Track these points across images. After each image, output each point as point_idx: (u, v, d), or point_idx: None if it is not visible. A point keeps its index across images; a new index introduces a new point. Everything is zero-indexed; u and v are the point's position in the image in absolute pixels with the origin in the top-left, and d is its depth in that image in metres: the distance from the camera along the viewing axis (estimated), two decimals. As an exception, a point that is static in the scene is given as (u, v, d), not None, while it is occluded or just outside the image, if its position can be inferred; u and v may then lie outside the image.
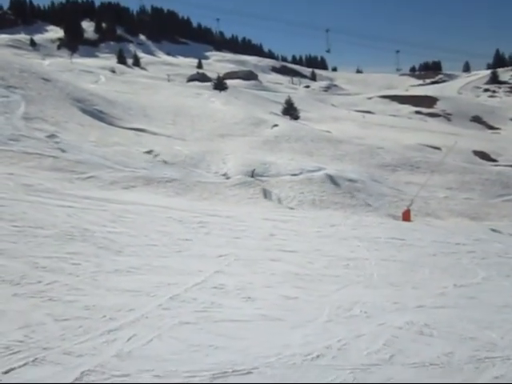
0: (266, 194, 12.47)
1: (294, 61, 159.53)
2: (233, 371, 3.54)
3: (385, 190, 14.91)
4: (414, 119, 58.40)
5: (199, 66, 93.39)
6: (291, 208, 11.96)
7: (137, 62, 78.42)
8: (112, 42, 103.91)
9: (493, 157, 34.34)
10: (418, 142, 36.18)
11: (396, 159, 19.82)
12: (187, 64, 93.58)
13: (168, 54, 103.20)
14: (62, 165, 11.77)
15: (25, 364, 3.31)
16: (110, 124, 18.22)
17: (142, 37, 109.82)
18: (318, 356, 3.96)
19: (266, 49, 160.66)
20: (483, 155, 34.40)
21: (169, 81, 64.86)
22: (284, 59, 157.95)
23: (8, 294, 4.57)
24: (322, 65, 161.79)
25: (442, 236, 10.61)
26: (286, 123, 24.56)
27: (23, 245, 6.17)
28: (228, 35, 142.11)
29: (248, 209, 11.73)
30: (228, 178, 13.45)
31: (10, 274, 5.06)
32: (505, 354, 4.43)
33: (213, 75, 76.28)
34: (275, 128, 22.64)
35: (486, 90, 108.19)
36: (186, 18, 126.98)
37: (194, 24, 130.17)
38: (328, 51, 76.07)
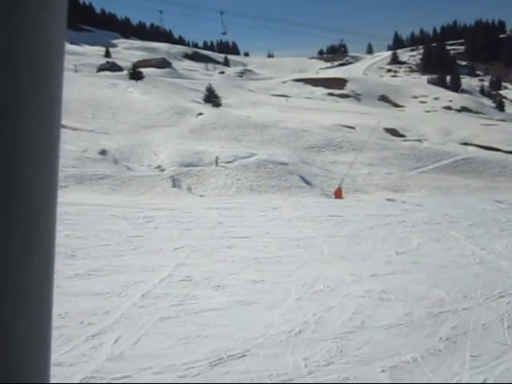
0: (175, 183, 12.38)
1: (206, 47, 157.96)
2: (228, 356, 3.67)
3: (315, 170, 15.63)
4: (327, 101, 61.10)
5: (107, 54, 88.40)
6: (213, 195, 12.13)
7: (37, 51, 71.70)
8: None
9: (401, 133, 37.24)
10: (334, 123, 38.03)
11: (320, 140, 20.77)
12: (94, 53, 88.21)
13: (71, 42, 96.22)
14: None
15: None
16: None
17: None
18: (300, 331, 4.23)
19: (176, 35, 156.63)
20: (393, 132, 37.18)
21: (76, 71, 60.73)
22: (195, 45, 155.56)
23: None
24: (234, 50, 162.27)
25: (373, 209, 11.47)
26: (210, 111, 24.43)
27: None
28: (135, 22, 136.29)
29: (187, 200, 11.68)
30: (163, 171, 13.18)
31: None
32: (453, 308, 5.07)
33: (124, 64, 73.02)
34: (200, 116, 22.44)
35: (389, 71, 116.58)
36: (87, 3, 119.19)
37: (97, 10, 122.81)
38: (224, 33, 76.87)
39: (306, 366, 3.59)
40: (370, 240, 8.32)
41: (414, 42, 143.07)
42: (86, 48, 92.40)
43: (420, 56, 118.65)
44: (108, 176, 12.03)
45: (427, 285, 5.82)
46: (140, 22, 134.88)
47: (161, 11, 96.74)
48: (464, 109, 54.48)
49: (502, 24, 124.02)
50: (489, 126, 39.44)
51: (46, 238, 0.37)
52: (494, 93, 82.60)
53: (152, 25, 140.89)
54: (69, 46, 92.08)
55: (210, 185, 12.49)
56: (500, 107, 57.38)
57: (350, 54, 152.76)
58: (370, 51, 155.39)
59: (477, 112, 53.42)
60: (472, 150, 28.68)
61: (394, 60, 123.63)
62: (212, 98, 29.69)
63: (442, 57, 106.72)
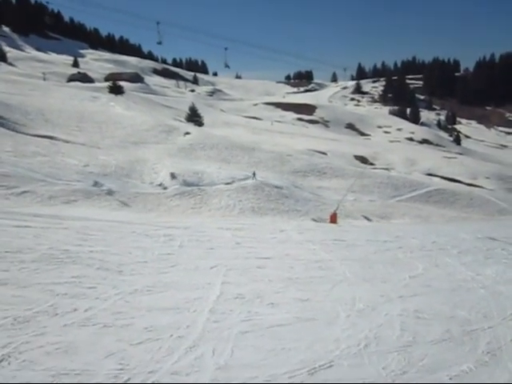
0: (180, 203, 12.75)
1: (175, 63, 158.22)
2: (319, 366, 4.14)
3: (306, 195, 16.36)
4: (297, 125, 62.97)
5: (75, 64, 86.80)
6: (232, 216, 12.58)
7: (3, 57, 69.65)
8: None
9: (371, 161, 39.06)
10: (306, 148, 39.33)
11: (305, 166, 21.65)
12: (61, 62, 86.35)
13: (38, 49, 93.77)
14: (-15, 179, 10.61)
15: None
16: (14, 130, 16.50)
17: (6, 28, 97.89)
18: (365, 345, 4.76)
19: (145, 50, 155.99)
20: (363, 159, 38.94)
21: (44, 79, 59.42)
22: (164, 61, 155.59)
23: (59, 324, 4.43)
24: (203, 69, 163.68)
25: (369, 235, 12.27)
26: (197, 131, 24.83)
27: (18, 272, 5.76)
28: (104, 33, 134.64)
29: (196, 219, 12.00)
30: (165, 189, 13.43)
31: (38, 305, 4.82)
32: (480, 326, 5.78)
33: (94, 75, 72.03)
34: (188, 136, 22.80)
35: (352, 99, 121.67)
36: (56, 11, 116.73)
37: (66, 18, 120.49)
38: (159, 43, 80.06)
39: (386, 375, 4.12)
40: (380, 264, 9.01)
41: (375, 73, 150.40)
42: (53, 56, 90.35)
43: (381, 87, 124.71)
44: (114, 192, 12.18)
45: (449, 306, 6.52)
46: (109, 34, 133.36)
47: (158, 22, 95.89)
48: (425, 141, 57.87)
49: (456, 63, 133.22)
50: (450, 159, 42.09)
51: None
52: (450, 127, 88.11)
53: (121, 37, 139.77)
54: (35, 53, 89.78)
55: (213, 205, 12.87)
56: (457, 141, 61.38)
57: (316, 80, 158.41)
58: (334, 79, 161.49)
59: (437, 144, 56.86)
60: (437, 181, 30.60)
61: (358, 89, 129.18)
62: (194, 118, 30.10)
63: (402, 89, 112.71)
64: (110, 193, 11.93)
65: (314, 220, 14.22)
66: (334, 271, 7.98)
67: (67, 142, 17.21)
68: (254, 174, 16.15)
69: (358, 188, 19.97)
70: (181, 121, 30.82)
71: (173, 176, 14.05)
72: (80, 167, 13.28)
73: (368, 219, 15.00)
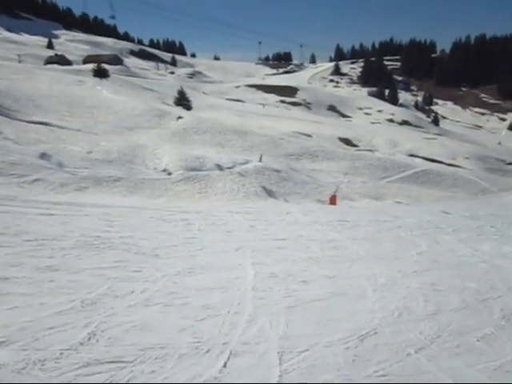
0: (184, 187, 13.06)
1: (152, 44, 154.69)
2: (366, 333, 4.66)
3: (304, 177, 16.85)
4: (280, 108, 63.14)
5: (50, 45, 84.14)
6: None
7: (-28, 37, 66.86)
8: None
9: (354, 142, 39.78)
10: (292, 130, 39.65)
11: (297, 149, 22.08)
12: (35, 43, 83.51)
13: (9, 30, 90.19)
14: (-3, 168, 10.67)
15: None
16: (9, 117, 16.30)
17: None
18: (399, 315, 5.32)
19: (121, 30, 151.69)
20: (347, 141, 39.61)
21: (20, 62, 57.56)
22: (140, 42, 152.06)
23: (123, 305, 4.79)
24: (181, 50, 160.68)
25: (369, 215, 12.89)
26: (189, 115, 24.86)
27: (63, 258, 6.05)
28: (77, 13, 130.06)
29: (204, 203, 12.32)
30: (170, 174, 13.66)
31: (96, 289, 5.15)
32: (490, 296, 6.43)
33: (71, 57, 70.04)
34: (181, 120, 22.84)
35: (331, 81, 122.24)
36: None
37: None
38: (112, 17, 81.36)
39: (424, 338, 4.68)
40: (387, 242, 9.63)
41: (354, 55, 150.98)
42: (26, 37, 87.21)
43: (360, 69, 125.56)
44: (121, 178, 12.36)
45: (459, 279, 7.17)
46: (83, 14, 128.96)
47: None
48: (405, 122, 59.05)
49: (433, 44, 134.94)
50: (430, 140, 43.24)
51: None
52: (427, 108, 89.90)
53: (96, 17, 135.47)
54: (7, 34, 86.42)
55: (218, 189, 13.21)
56: (435, 122, 62.89)
57: (295, 62, 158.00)
58: (313, 61, 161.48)
59: (416, 126, 58.14)
60: (420, 162, 31.55)
61: (337, 71, 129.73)
62: (183, 101, 30.00)
63: (380, 71, 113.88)
64: (117, 179, 12.12)
65: (319, 201, 14.71)
66: (347, 250, 8.52)
67: (62, 128, 17.11)
68: (261, 158, 16.61)
69: (350, 170, 20.59)
70: (169, 104, 30.67)
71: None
72: (84, 154, 13.35)
73: (374, 199, 15.69)
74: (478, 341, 4.78)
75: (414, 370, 3.99)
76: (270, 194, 13.85)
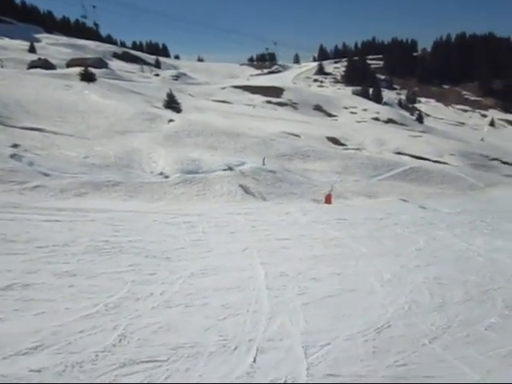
0: (183, 190, 13.20)
1: (135, 47, 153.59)
2: (381, 326, 4.89)
3: (298, 178, 17.08)
4: (266, 108, 63.41)
5: (32, 49, 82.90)
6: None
7: (-49, 42, 65.40)
8: None
9: (342, 142, 40.23)
10: (280, 131, 39.92)
11: (289, 149, 22.32)
12: (17, 47, 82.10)
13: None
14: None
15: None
16: (1, 124, 16.18)
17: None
18: (408, 308, 5.56)
19: (103, 33, 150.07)
20: (335, 140, 40.04)
21: (2, 66, 56.70)
22: (123, 45, 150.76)
23: (147, 307, 4.92)
24: (164, 52, 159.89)
25: (365, 213, 13.17)
26: (180, 118, 24.90)
27: (78, 264, 6.14)
28: (58, 16, 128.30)
29: (204, 205, 12.45)
30: (167, 177, 13.74)
31: (116, 292, 5.26)
32: (491, 287, 6.73)
33: (54, 62, 69.14)
34: (172, 123, 22.88)
35: (315, 80, 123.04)
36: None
37: (17, 0, 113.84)
38: (84, 17, 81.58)
39: (436, 329, 4.92)
40: (386, 239, 9.91)
41: (337, 54, 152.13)
42: (7, 41, 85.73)
43: (343, 68, 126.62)
44: (120, 183, 12.41)
45: (459, 272, 7.46)
46: (64, 17, 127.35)
47: (94, 6, 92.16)
48: (390, 120, 59.86)
49: (414, 43, 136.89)
50: (415, 138, 43.97)
51: None
52: (410, 106, 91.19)
53: (77, 20, 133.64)
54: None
55: (216, 191, 13.34)
56: (419, 119, 63.89)
57: (279, 62, 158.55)
58: (297, 61, 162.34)
59: (401, 124, 59.01)
60: (408, 160, 32.10)
61: (320, 70, 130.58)
62: (172, 104, 30.00)
63: (364, 70, 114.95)
64: (116, 184, 12.16)
65: (315, 200, 14.93)
66: (349, 248, 8.76)
67: (55, 133, 17.03)
68: (264, 160, 16.90)
69: (342, 169, 20.92)
70: (158, 107, 30.63)
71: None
72: (81, 159, 13.35)
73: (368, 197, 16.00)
74: (485, 330, 5.04)
75: (431, 359, 4.22)
76: (267, 195, 14.05)
